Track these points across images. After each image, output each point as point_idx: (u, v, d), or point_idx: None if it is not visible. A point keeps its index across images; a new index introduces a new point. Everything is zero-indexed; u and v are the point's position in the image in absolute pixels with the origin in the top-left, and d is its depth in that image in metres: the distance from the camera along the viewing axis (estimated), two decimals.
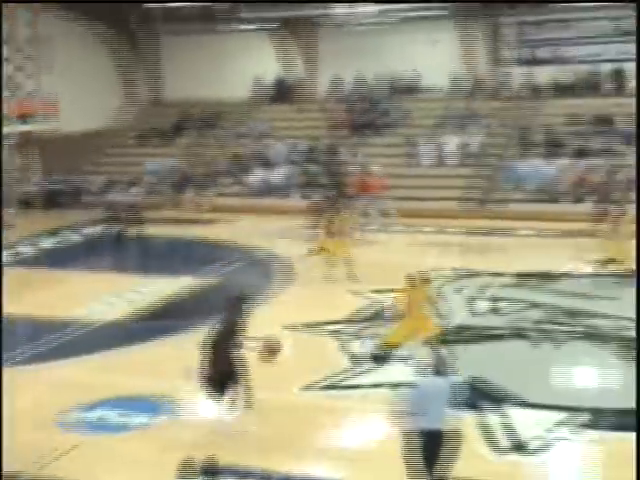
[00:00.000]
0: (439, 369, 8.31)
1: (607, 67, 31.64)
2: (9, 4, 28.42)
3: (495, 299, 16.52)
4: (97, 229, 26.01)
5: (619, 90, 31.19)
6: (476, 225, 24.99)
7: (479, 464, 8.52)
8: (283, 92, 35.82)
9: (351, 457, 9.75)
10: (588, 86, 31.55)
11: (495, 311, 15.81)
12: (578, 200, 26.35)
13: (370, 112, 33.23)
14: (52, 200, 30.61)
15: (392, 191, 25.99)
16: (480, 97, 32.33)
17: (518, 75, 32.66)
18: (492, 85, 33.04)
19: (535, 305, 16.00)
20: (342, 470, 9.48)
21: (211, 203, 29.45)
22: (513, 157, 29.16)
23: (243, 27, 34.84)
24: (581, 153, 28.06)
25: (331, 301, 16.67)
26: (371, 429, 10.53)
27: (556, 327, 14.57)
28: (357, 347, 13.76)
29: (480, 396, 11.07)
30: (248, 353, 10.52)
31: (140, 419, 11.00)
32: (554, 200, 26.82)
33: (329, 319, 15.11)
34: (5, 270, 19.01)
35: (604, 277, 18.24)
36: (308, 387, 11.76)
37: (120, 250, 23.74)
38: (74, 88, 31.39)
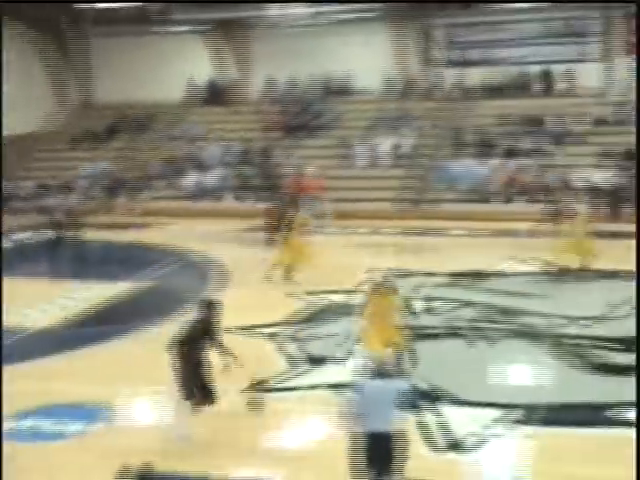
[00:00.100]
0: (384, 371, 8.31)
1: (536, 69, 32.21)
2: None
3: (429, 299, 16.66)
4: (28, 235, 25.58)
5: (548, 91, 31.79)
6: (410, 225, 25.26)
7: (418, 463, 8.60)
8: (216, 94, 35.72)
9: (291, 458, 9.76)
10: (518, 87, 32.10)
11: (429, 311, 15.95)
12: (509, 200, 26.79)
13: (304, 114, 33.31)
14: None
15: (327, 193, 26.12)
16: (412, 98, 32.67)
17: (449, 76, 33.06)
18: (424, 86, 33.41)
19: (469, 304, 16.18)
20: (282, 471, 9.49)
21: (144, 207, 29.21)
22: (445, 157, 29.51)
23: (176, 29, 34.61)
24: (511, 153, 28.53)
25: (267, 303, 16.65)
26: (311, 430, 10.56)
27: (490, 325, 14.75)
28: (294, 349, 13.80)
29: (417, 395, 11.16)
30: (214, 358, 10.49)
31: (76, 427, 10.85)
32: (486, 200, 27.22)
33: (265, 321, 15.11)
34: None
35: (537, 275, 18.56)
36: (246, 390, 11.75)
37: (54, 256, 23.37)
38: (6, 92, 30.82)
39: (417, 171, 29.33)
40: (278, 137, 32.29)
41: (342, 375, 12.13)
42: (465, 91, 32.57)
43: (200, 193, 30.05)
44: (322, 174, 27.03)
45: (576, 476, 9.07)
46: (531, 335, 14.15)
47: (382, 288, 12.54)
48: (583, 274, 18.07)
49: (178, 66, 35.30)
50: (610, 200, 25.03)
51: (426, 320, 15.28)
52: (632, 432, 10.08)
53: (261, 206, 24.65)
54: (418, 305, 16.29)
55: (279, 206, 22.95)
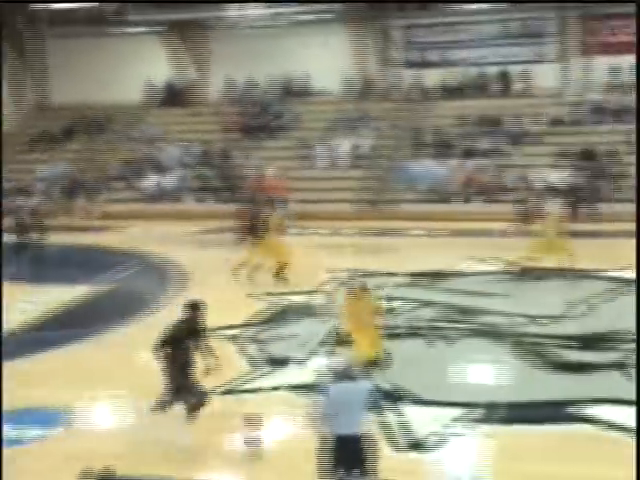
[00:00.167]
0: (350, 373, 8.25)
1: (494, 69, 32.46)
2: None
3: (389, 299, 16.68)
4: None
5: (505, 92, 32.06)
6: (369, 226, 25.34)
7: (382, 463, 8.62)
8: (174, 95, 35.56)
9: (254, 459, 9.75)
10: (476, 88, 32.33)
11: (390, 311, 15.98)
12: (467, 200, 26.99)
13: (263, 115, 33.27)
14: None
15: (290, 194, 26.16)
16: (371, 99, 32.76)
17: (408, 77, 33.20)
18: (383, 87, 33.51)
19: (429, 304, 16.27)
20: (246, 474, 9.49)
21: (102, 209, 29.00)
22: (404, 158, 29.62)
23: (133, 30, 34.37)
24: (469, 153, 28.71)
25: (229, 305, 16.59)
26: (274, 431, 10.55)
27: (451, 325, 14.85)
28: (255, 350, 13.78)
29: (379, 395, 11.20)
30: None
31: (36, 431, 10.75)
32: (445, 200, 27.38)
33: (226, 323, 15.06)
34: None
35: (497, 275, 18.70)
36: (209, 392, 11.70)
37: (15, 259, 23.06)
38: None
39: (376, 172, 29.43)
40: (237, 138, 32.22)
41: (304, 376, 12.18)
42: (424, 92, 32.71)
43: (159, 195, 29.90)
44: (284, 175, 27.04)
45: (536, 474, 9.16)
46: (491, 334, 14.25)
47: (358, 291, 12.47)
48: (542, 273, 18.23)
49: (136, 67, 35.07)
50: (567, 200, 25.27)
51: (387, 320, 15.31)
52: (592, 428, 10.26)
53: (221, 207, 24.58)
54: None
55: (251, 207, 22.85)
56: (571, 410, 10.79)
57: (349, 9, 31.97)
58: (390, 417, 10.67)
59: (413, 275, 18.72)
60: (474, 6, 31.53)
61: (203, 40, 35.31)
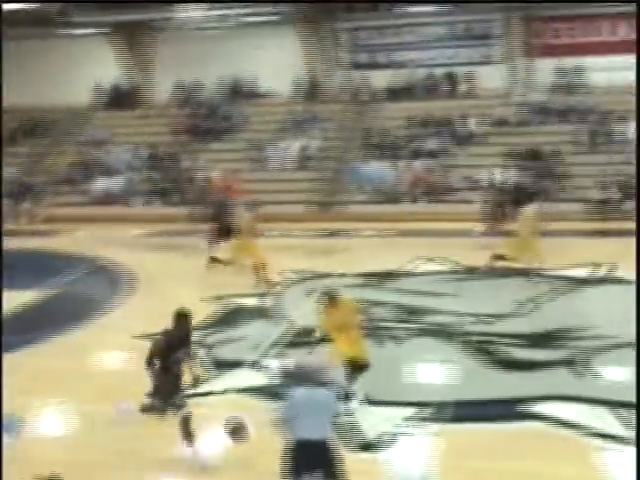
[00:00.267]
0: (317, 377, 8.19)
1: (442, 71, 32.73)
2: None
3: None
4: None
5: (452, 93, 32.35)
6: (320, 227, 25.38)
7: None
8: (120, 97, 35.29)
9: (208, 464, 9.72)
10: (424, 89, 32.56)
11: None
12: (415, 200, 27.18)
13: (211, 117, 33.17)
14: None
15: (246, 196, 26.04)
16: (320, 100, 32.84)
17: (356, 79, 33.34)
18: (331, 89, 33.60)
19: (379, 304, 16.32)
20: (198, 478, 9.46)
21: (46, 213, 28.67)
22: (354, 159, 29.73)
23: (81, 31, 34.01)
24: (417, 154, 28.90)
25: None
26: (224, 436, 10.52)
27: (400, 325, 14.95)
28: (204, 354, 13.70)
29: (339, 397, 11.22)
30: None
31: None
32: (394, 201, 27.52)
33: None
34: None
35: (446, 275, 18.84)
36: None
37: None
38: None
39: (325, 173, 29.50)
40: (186, 141, 32.08)
41: (255, 379, 12.18)
42: (372, 93, 32.88)
43: (107, 198, 29.65)
44: (228, 178, 26.95)
45: (486, 470, 9.26)
46: (440, 334, 14.37)
47: (330, 301, 12.20)
48: (491, 272, 18.42)
49: (86, 69, 34.76)
50: (513, 200, 25.52)
51: None
52: (541, 425, 10.40)
53: (169, 210, 24.39)
54: None
55: (218, 210, 22.62)
56: (520, 408, 10.93)
57: (297, 11, 32.02)
58: (342, 418, 10.70)
59: (363, 275, 18.79)
60: (421, 8, 31.76)
61: (150, 42, 35.09)
